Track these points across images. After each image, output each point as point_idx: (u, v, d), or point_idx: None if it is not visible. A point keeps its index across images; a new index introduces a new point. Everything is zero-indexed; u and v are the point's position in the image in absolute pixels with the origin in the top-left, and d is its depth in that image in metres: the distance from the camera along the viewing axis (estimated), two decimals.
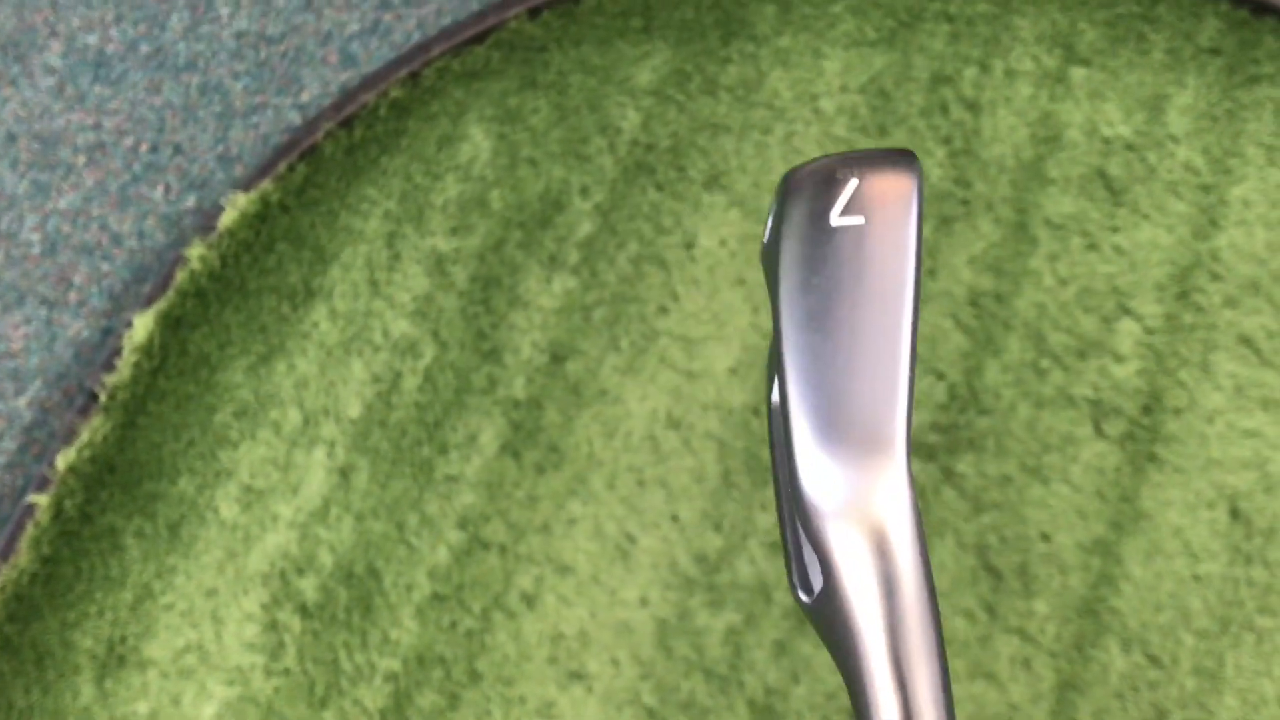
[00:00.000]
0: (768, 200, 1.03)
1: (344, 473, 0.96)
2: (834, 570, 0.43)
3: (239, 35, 1.16)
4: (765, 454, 0.96)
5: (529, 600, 0.93)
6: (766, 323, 0.99)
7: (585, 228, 1.02)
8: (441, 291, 1.00)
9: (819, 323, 0.47)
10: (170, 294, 1.01)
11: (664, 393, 0.97)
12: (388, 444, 0.97)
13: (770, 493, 0.95)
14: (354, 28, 1.15)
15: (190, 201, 1.11)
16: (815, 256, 0.48)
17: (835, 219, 0.48)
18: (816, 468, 0.44)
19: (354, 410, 0.98)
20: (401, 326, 1.00)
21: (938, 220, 1.02)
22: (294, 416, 0.98)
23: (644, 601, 0.92)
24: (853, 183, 0.48)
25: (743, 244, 1.02)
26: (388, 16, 1.16)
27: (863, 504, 0.44)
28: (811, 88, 1.07)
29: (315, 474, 0.96)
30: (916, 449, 0.96)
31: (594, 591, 0.93)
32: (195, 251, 1.02)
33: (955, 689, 0.91)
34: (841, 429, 0.45)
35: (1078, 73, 1.07)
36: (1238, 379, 0.97)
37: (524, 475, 0.95)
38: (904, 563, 0.43)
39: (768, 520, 0.94)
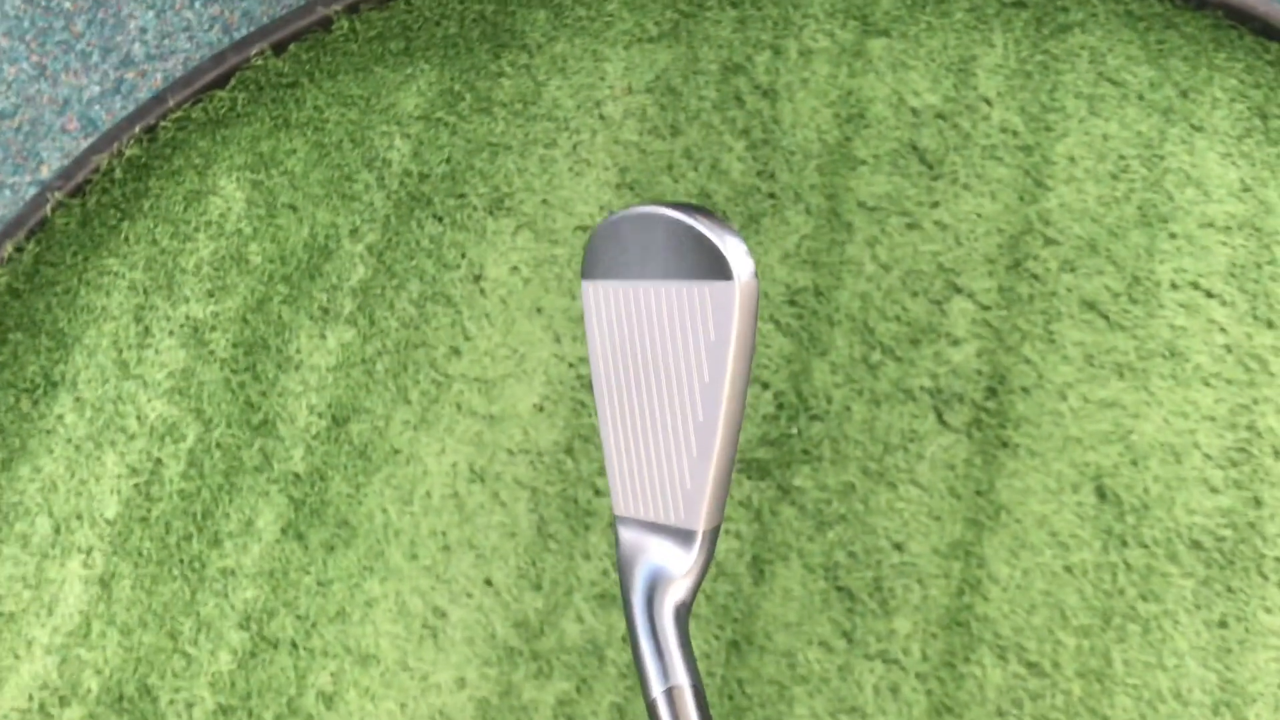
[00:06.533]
0: (560, 219, 0.93)
1: (104, 582, 0.84)
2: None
3: None
4: (584, 495, 0.85)
5: (328, 700, 0.81)
6: (571, 351, 0.89)
7: (359, 272, 0.92)
8: (201, 363, 0.89)
9: None
10: None
11: (464, 443, 0.87)
12: (151, 543, 0.85)
13: (594, 539, 0.84)
14: (94, 90, 1.04)
15: None
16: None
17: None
18: None
19: (110, 509, 0.86)
20: (158, 408, 0.88)
21: (744, 218, 0.93)
22: (43, 525, 0.86)
23: (461, 683, 0.81)
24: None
25: (537, 269, 0.92)
26: (130, 74, 1.05)
27: None
28: (594, 93, 0.98)
29: (72, 588, 0.84)
30: (746, 467, 0.86)
31: (403, 679, 0.81)
32: None
33: None
34: None
35: (876, 44, 0.99)
36: (1086, 347, 0.89)
37: (311, 558, 0.84)
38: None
39: (593, 570, 0.83)
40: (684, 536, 0.48)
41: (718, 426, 0.47)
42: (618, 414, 0.50)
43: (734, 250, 0.46)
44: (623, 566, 0.49)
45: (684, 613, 0.48)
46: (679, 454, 0.48)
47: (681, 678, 0.47)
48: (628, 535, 0.49)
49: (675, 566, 0.48)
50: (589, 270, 0.50)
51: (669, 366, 0.48)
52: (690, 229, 0.46)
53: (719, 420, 0.47)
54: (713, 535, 0.48)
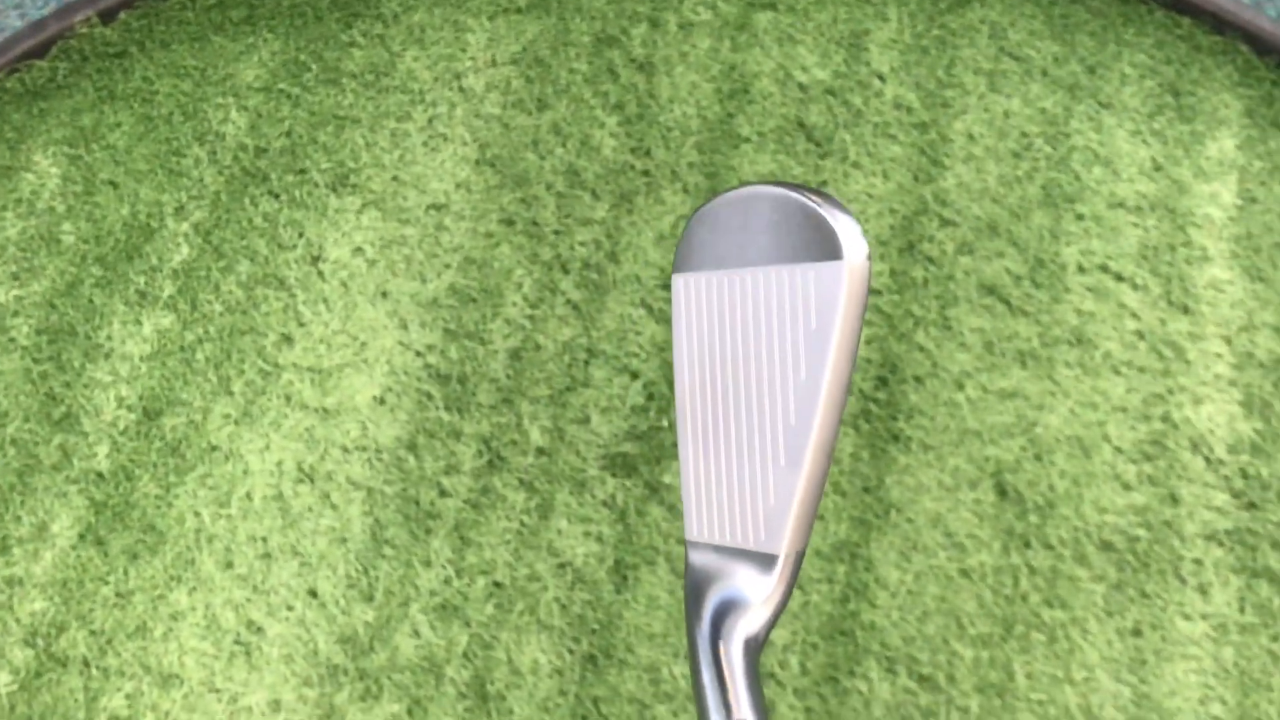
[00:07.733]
0: (412, 197, 0.85)
1: None
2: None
3: None
4: (427, 496, 0.76)
5: None
6: (418, 339, 0.80)
7: (182, 253, 0.82)
8: None
9: None
10: None
11: (291, 439, 0.77)
12: None
13: (436, 544, 0.75)
14: None
15: None
16: None
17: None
18: None
19: None
20: None
21: (616, 197, 0.85)
22: None
23: (276, 706, 0.71)
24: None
25: (384, 250, 0.83)
26: None
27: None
28: (454, 65, 0.90)
29: None
30: (610, 463, 0.77)
31: (208, 702, 0.71)
32: None
33: None
34: None
35: (762, 17, 0.92)
36: (985, 334, 0.81)
37: (111, 566, 0.74)
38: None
39: (434, 578, 0.74)
40: (763, 561, 0.43)
41: (811, 430, 0.42)
42: (699, 424, 0.45)
43: (845, 228, 0.41)
44: (689, 593, 0.45)
45: (754, 648, 0.44)
46: (765, 465, 0.43)
47: (746, 713, 0.42)
48: (699, 560, 0.45)
49: (751, 592, 0.43)
50: (681, 262, 0.46)
51: (762, 363, 0.43)
52: (797, 203, 0.42)
53: (813, 423, 0.42)
54: (795, 561, 0.44)
